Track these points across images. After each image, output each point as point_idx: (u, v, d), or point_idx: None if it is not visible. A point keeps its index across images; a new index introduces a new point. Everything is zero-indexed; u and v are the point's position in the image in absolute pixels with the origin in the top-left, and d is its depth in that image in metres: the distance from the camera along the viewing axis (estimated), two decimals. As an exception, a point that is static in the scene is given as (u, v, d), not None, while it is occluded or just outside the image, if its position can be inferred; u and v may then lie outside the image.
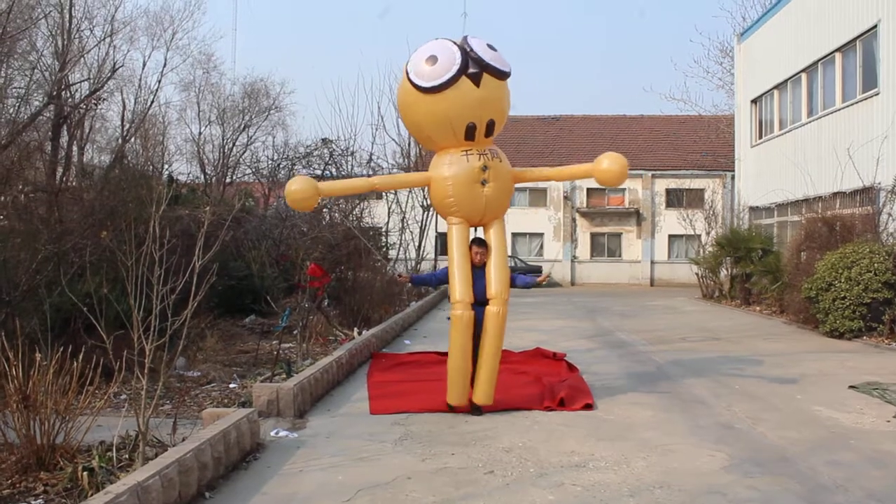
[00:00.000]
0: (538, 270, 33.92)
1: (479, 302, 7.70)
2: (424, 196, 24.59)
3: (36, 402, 5.44)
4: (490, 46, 7.79)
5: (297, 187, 7.57)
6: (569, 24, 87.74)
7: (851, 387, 9.22)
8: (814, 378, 9.97)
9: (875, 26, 16.71)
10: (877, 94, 16.63)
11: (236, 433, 6.04)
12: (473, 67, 7.53)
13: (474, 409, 7.83)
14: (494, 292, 7.72)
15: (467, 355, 7.68)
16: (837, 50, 18.60)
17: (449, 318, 7.95)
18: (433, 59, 7.59)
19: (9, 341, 5.51)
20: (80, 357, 5.71)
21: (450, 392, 7.83)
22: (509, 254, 34.80)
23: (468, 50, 7.58)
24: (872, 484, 5.63)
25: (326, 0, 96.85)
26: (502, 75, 7.81)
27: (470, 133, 7.74)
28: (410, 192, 24.35)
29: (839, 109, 18.52)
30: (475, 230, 8.21)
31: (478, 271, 7.82)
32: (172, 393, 8.36)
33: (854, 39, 17.77)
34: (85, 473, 5.13)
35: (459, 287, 7.64)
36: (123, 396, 7.94)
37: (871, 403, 8.38)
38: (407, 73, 7.79)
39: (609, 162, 7.85)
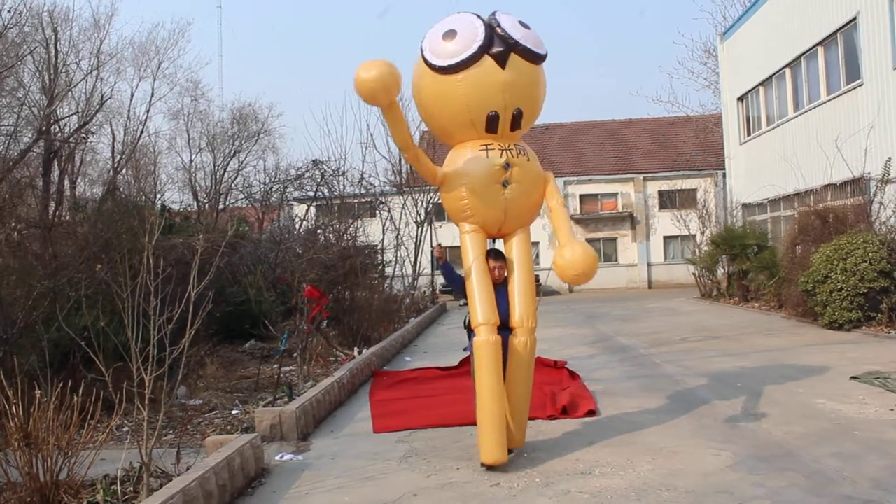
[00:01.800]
0: (535, 280, 33.93)
1: (501, 326, 6.46)
2: (418, 212, 24.66)
3: (38, 439, 5.42)
4: (522, 24, 6.66)
5: (378, 73, 5.84)
6: (552, 32, 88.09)
7: (853, 377, 9.23)
8: (815, 371, 9.98)
9: (854, 18, 16.84)
10: (860, 85, 16.74)
11: (240, 459, 6.03)
12: (499, 45, 6.40)
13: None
14: (519, 318, 6.46)
15: (501, 395, 6.28)
16: (819, 44, 18.72)
17: (466, 349, 6.79)
18: (452, 34, 6.48)
19: (8, 379, 5.50)
20: (81, 391, 5.70)
21: (483, 446, 6.24)
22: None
23: (495, 26, 6.46)
24: (878, 474, 5.64)
25: (310, 22, 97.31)
26: (535, 58, 6.62)
27: (492, 124, 6.58)
28: (404, 207, 24.38)
29: (825, 102, 18.63)
30: (493, 242, 7.06)
31: (497, 289, 6.56)
32: (175, 422, 8.34)
33: (835, 32, 17.90)
34: (90, 508, 5.11)
35: (482, 307, 6.32)
36: (126, 428, 7.92)
37: (873, 393, 8.39)
38: (422, 50, 6.63)
39: (571, 254, 6.34)
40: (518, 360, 6.47)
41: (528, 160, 6.73)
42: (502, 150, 6.56)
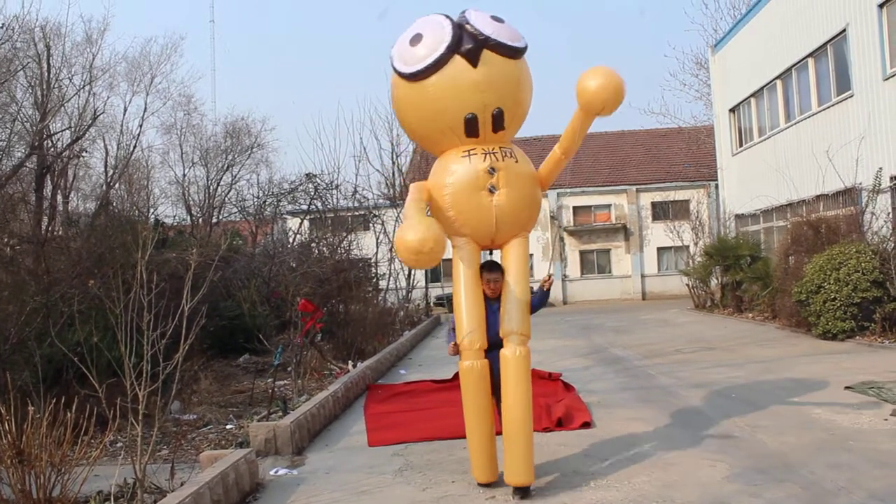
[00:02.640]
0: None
1: (495, 345, 6.03)
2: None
3: (31, 455, 5.39)
4: (495, 18, 6.21)
5: (425, 235, 5.25)
6: (543, 44, 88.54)
7: (847, 387, 9.24)
8: (809, 381, 9.99)
9: (844, 30, 16.96)
10: (851, 97, 16.84)
11: (235, 474, 6.00)
12: (468, 43, 5.98)
13: (516, 492, 5.86)
14: (508, 328, 5.96)
15: (486, 417, 6.02)
16: (810, 55, 18.84)
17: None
18: (418, 38, 6.10)
19: (0, 395, 5.47)
20: (74, 407, 5.67)
21: (474, 467, 6.16)
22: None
23: (464, 24, 6.07)
24: (874, 484, 5.63)
25: (303, 35, 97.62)
26: (511, 52, 6.14)
27: (471, 127, 6.12)
28: (397, 220, 24.38)
29: (816, 113, 18.73)
30: (490, 254, 6.63)
31: (492, 305, 6.10)
32: (169, 437, 8.30)
33: (825, 44, 18.02)
34: (84, 525, 5.08)
35: (470, 329, 5.95)
36: (119, 444, 7.88)
37: (867, 403, 8.40)
38: (391, 60, 6.27)
39: (597, 81, 5.74)
40: (514, 374, 5.86)
41: (517, 162, 6.24)
42: (486, 154, 6.12)
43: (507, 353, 5.91)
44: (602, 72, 5.76)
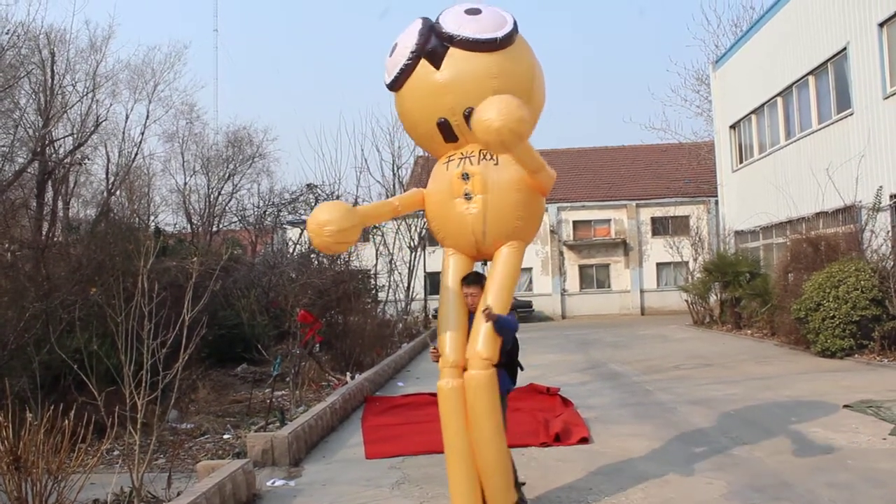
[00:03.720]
0: (528, 305, 33.89)
1: None
2: (411, 237, 24.69)
3: (27, 462, 5.37)
4: (471, 11, 5.79)
5: (329, 216, 5.11)
6: (546, 57, 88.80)
7: (846, 406, 9.23)
8: (808, 399, 9.98)
9: (845, 49, 17.04)
10: (851, 115, 16.90)
11: (232, 485, 5.98)
12: (432, 44, 5.70)
13: None
14: (472, 351, 5.36)
15: (465, 444, 5.39)
16: (810, 73, 18.92)
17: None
18: (394, 48, 5.93)
19: (-2, 402, 5.46)
20: (72, 414, 5.66)
21: (454, 501, 5.50)
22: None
23: (433, 24, 5.79)
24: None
25: (306, 46, 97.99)
26: (479, 45, 5.65)
27: (446, 132, 5.80)
28: (398, 231, 24.42)
29: (816, 131, 18.78)
30: (484, 264, 6.14)
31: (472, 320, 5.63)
32: (166, 446, 8.28)
33: (826, 62, 18.10)
34: (79, 534, 5.06)
35: (449, 344, 5.48)
36: (116, 452, 7.85)
37: (865, 422, 8.39)
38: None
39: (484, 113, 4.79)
40: (477, 402, 5.28)
41: (497, 164, 5.62)
42: (461, 159, 5.73)
43: (470, 376, 5.32)
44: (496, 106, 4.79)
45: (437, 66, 5.69)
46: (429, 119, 5.85)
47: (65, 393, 7.71)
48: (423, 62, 5.73)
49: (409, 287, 23.92)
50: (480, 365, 5.29)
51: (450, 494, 5.52)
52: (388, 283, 22.17)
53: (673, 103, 45.91)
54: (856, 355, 13.70)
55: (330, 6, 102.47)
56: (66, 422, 5.56)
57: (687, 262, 27.49)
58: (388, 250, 22.52)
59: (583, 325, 30.33)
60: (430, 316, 28.83)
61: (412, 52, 5.73)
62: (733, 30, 32.51)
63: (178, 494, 5.62)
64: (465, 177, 5.63)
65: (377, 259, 22.11)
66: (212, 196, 33.18)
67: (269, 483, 6.96)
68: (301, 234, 21.90)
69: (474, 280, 5.69)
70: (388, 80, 5.95)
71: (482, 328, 5.35)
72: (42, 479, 5.36)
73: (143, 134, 29.20)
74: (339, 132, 34.64)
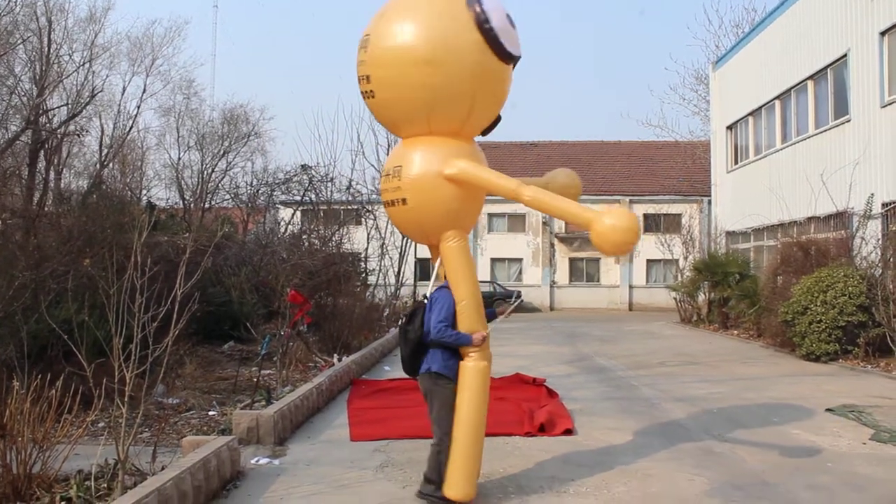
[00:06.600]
0: (512, 295, 33.89)
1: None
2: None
3: (12, 430, 5.38)
4: (510, 20, 5.77)
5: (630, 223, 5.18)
6: (545, 50, 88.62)
7: (828, 410, 9.31)
8: (791, 401, 10.05)
9: (845, 55, 17.08)
10: (848, 121, 16.96)
11: (216, 461, 6.00)
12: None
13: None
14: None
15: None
16: (810, 78, 18.96)
17: (444, 377, 5.73)
18: (513, 22, 5.73)
19: (-15, 369, 5.46)
20: (59, 385, 5.66)
21: (456, 482, 5.59)
22: (488, 279, 34.84)
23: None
24: (850, 507, 5.69)
25: (306, 26, 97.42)
26: (515, 60, 5.89)
27: (491, 126, 6.11)
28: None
29: (812, 136, 18.85)
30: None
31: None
32: (151, 420, 8.29)
33: (825, 68, 18.14)
34: (63, 503, 5.07)
35: (482, 324, 5.84)
36: (101, 424, 7.86)
37: (847, 426, 8.46)
38: (485, 25, 5.47)
39: (614, 220, 5.19)
40: (470, 385, 5.69)
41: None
42: None
43: (468, 366, 5.71)
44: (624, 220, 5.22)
45: (513, 65, 5.81)
46: (485, 106, 5.86)
47: (52, 363, 7.70)
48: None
49: (399, 272, 23.89)
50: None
51: (452, 471, 5.59)
52: (378, 267, 22.13)
53: (671, 101, 46.08)
54: (840, 360, 13.80)
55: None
56: (53, 392, 5.57)
57: (677, 261, 27.57)
58: (380, 234, 22.45)
59: (571, 317, 30.42)
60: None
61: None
62: (734, 31, 32.58)
63: (163, 468, 5.64)
64: None
65: (368, 242, 22.04)
66: (205, 172, 33.07)
67: (253, 461, 6.98)
68: (293, 215, 21.82)
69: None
70: (518, 54, 5.73)
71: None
72: (27, 448, 5.37)
73: (139, 107, 29.06)
74: (337, 114, 34.62)
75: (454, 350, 5.69)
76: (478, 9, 5.45)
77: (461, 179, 5.68)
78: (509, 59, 5.68)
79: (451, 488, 5.58)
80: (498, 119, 6.06)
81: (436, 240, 5.88)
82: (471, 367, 5.66)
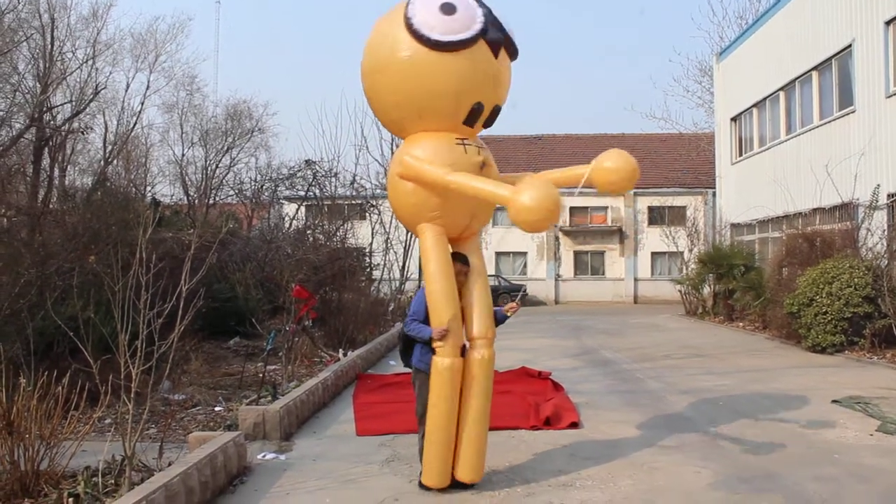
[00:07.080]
0: (519, 289, 33.88)
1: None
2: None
3: (20, 427, 5.40)
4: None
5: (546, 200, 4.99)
6: (550, 43, 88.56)
7: (834, 401, 9.30)
8: (797, 393, 10.04)
9: (849, 46, 16.99)
10: (853, 112, 16.88)
11: (223, 457, 6.01)
12: (495, 33, 5.86)
13: (456, 486, 5.94)
14: (478, 331, 5.90)
15: (454, 421, 5.81)
16: (814, 69, 18.88)
17: (417, 363, 6.04)
18: (450, 9, 5.76)
19: (-8, 366, 5.47)
20: (65, 381, 5.68)
21: (428, 471, 5.88)
22: (493, 273, 34.82)
23: (488, 10, 5.94)
24: (857, 499, 5.69)
25: (308, 22, 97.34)
26: (516, 55, 6.16)
27: (473, 116, 6.02)
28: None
29: (817, 127, 18.77)
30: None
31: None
32: (158, 417, 8.31)
33: (830, 58, 18.06)
34: (70, 500, 5.10)
35: (452, 322, 5.72)
36: (108, 420, 7.88)
37: (853, 418, 8.45)
38: (408, 21, 5.78)
39: (613, 161, 5.77)
40: (479, 377, 5.82)
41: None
42: (479, 149, 6.06)
43: (476, 357, 5.87)
44: (618, 158, 5.83)
45: (496, 56, 5.92)
46: (470, 97, 5.95)
47: (58, 360, 7.73)
48: (482, 43, 5.82)
49: (404, 266, 23.89)
50: (487, 343, 5.91)
51: (425, 461, 5.91)
52: (383, 262, 22.14)
53: (675, 93, 46.01)
54: (846, 352, 13.77)
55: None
56: (60, 388, 5.59)
57: (682, 253, 27.54)
58: (385, 229, 22.45)
59: (576, 310, 30.40)
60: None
61: (480, 28, 5.79)
62: (738, 22, 32.46)
63: (170, 464, 5.65)
64: (483, 166, 5.96)
65: (373, 237, 22.05)
66: (209, 168, 33.12)
67: (259, 456, 7.00)
68: (297, 210, 21.83)
69: (464, 259, 6.05)
70: (445, 40, 5.72)
71: (484, 309, 5.96)
72: (34, 445, 5.40)
73: (142, 104, 29.17)
74: (340, 109, 34.62)
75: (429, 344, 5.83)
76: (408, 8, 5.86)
77: (408, 176, 6.00)
78: (438, 47, 5.74)
79: (423, 475, 5.94)
80: (497, 110, 6.26)
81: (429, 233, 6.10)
82: (435, 363, 5.77)
